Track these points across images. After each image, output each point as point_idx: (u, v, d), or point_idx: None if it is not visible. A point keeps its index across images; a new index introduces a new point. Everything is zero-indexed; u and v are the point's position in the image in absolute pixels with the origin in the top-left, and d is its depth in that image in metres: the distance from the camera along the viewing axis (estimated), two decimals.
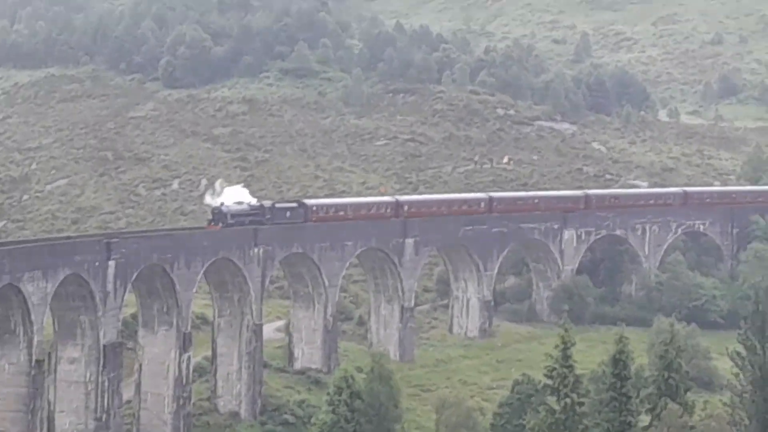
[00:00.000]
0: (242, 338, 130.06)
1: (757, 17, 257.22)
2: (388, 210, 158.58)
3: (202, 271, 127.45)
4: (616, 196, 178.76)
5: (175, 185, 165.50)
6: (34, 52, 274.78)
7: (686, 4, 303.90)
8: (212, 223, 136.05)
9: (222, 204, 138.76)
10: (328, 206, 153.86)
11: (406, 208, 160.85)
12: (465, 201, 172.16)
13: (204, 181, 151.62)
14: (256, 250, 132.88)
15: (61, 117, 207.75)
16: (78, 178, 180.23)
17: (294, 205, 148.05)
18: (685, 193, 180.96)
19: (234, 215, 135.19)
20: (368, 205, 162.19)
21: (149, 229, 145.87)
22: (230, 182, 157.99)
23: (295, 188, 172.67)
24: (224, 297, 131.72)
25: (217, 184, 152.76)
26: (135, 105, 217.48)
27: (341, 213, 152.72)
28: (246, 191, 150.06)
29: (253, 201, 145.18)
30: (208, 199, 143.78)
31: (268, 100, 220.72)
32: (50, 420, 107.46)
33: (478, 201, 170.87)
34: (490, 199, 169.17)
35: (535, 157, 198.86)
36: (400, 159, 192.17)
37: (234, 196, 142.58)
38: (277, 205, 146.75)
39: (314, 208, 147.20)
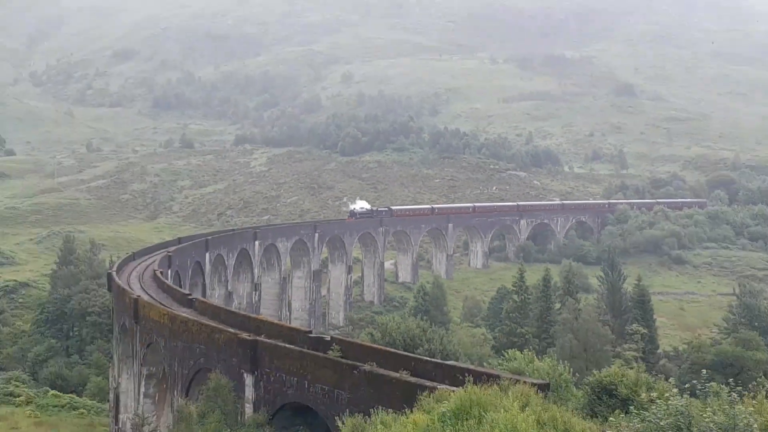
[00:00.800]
0: (375, 268, 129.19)
1: (610, 123, 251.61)
2: (428, 212, 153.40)
3: (357, 237, 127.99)
4: (532, 206, 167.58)
5: (344, 200, 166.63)
6: (284, 140, 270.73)
7: (583, 113, 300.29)
8: (349, 217, 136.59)
9: (354, 208, 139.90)
10: (402, 210, 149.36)
11: (436, 211, 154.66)
12: (461, 208, 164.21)
13: (353, 199, 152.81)
14: (381, 228, 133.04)
15: (293, 170, 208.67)
16: (301, 197, 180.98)
17: (386, 209, 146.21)
18: (560, 205, 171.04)
19: (359, 214, 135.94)
20: (420, 210, 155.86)
21: (332, 219, 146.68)
22: (363, 198, 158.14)
23: (397, 202, 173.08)
24: (367, 249, 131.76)
25: (346, 199, 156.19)
26: (324, 166, 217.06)
27: (406, 213, 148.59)
28: (366, 202, 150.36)
29: (368, 206, 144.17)
30: (346, 207, 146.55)
31: (384, 164, 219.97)
32: (289, 305, 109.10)
33: (468, 207, 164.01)
34: (474, 206, 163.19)
35: (507, 187, 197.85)
36: (446, 188, 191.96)
37: (360, 205, 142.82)
38: (379, 209, 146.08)
39: (395, 210, 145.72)
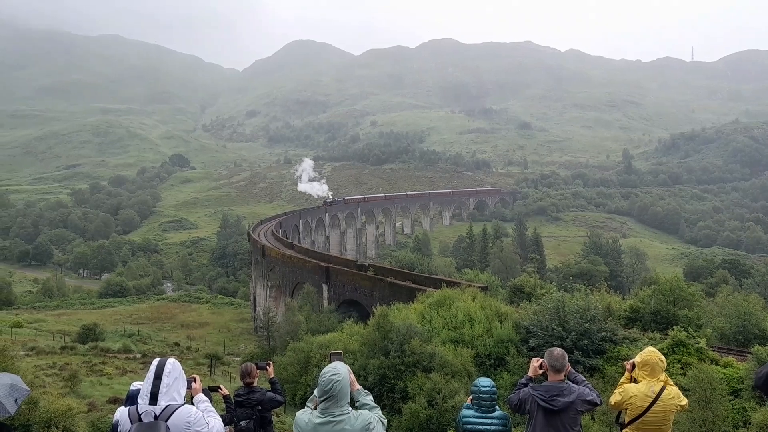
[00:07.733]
0: (391, 226, 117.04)
1: (517, 144, 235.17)
2: (324, 202, 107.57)
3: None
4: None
5: (329, 195, 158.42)
6: (340, 157, 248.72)
7: (502, 140, 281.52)
8: (324, 204, 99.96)
9: (327, 198, 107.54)
10: (348, 199, 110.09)
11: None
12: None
13: (330, 197, 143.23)
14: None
15: (346, 175, 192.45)
16: (350, 189, 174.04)
17: (342, 198, 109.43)
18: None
19: (329, 202, 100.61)
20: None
21: (367, 200, 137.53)
22: (375, 189, 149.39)
23: (401, 190, 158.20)
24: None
25: (330, 196, 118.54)
26: (362, 171, 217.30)
27: (351, 200, 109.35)
28: (331, 197, 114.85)
29: (331, 198, 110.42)
30: (328, 199, 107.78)
31: (395, 170, 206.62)
32: (345, 247, 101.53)
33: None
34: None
35: (462, 181, 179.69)
36: (429, 182, 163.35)
37: (331, 199, 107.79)
38: (337, 198, 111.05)
39: (345, 199, 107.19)
